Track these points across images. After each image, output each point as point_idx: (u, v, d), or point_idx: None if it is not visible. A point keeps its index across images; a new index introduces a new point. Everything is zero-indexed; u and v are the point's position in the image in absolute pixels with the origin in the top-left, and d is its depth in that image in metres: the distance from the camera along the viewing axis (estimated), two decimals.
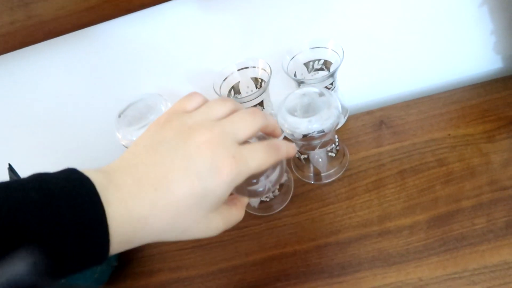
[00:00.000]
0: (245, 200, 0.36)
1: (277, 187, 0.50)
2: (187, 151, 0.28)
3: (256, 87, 0.54)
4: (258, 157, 0.30)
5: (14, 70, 0.52)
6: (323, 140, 0.47)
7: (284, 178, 0.52)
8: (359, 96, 0.61)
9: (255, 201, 0.51)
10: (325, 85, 0.51)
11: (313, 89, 0.47)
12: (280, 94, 0.56)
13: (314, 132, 0.44)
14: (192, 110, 0.32)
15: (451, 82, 0.59)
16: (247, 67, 0.53)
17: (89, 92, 0.56)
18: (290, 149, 0.35)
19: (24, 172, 0.44)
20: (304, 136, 0.45)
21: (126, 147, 0.48)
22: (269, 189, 0.36)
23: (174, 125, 0.30)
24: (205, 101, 0.34)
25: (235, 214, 0.34)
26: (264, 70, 0.52)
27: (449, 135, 0.51)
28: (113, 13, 0.44)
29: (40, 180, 0.25)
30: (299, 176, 0.53)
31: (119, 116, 0.49)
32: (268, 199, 0.51)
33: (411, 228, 0.45)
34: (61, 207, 0.23)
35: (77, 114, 0.59)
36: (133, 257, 0.53)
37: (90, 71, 0.54)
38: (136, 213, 0.26)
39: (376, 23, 0.53)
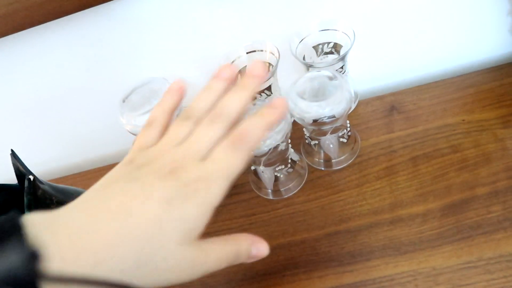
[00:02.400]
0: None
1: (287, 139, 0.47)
2: (148, 181, 0.26)
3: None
4: (226, 166, 0.27)
5: (13, 53, 0.51)
6: (335, 125, 0.46)
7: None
8: (370, 80, 0.59)
9: (269, 183, 0.50)
10: (335, 69, 0.49)
11: (324, 73, 0.45)
12: (288, 78, 0.54)
13: (325, 117, 0.43)
14: (154, 141, 0.30)
15: (466, 66, 0.57)
16: (255, 51, 0.51)
17: (92, 76, 0.55)
18: (268, 119, 0.29)
19: (27, 158, 0.43)
20: (315, 121, 0.44)
21: (132, 133, 0.47)
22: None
23: (136, 161, 0.28)
24: (165, 124, 0.32)
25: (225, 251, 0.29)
26: (272, 53, 0.50)
27: (463, 120, 0.50)
28: None
29: None
30: (309, 163, 0.52)
31: (123, 101, 0.48)
32: (282, 175, 0.49)
33: (424, 216, 0.43)
34: None
35: (80, 98, 0.58)
36: None
37: (93, 54, 0.53)
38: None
39: (388, 4, 0.51)
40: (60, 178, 0.64)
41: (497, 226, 0.40)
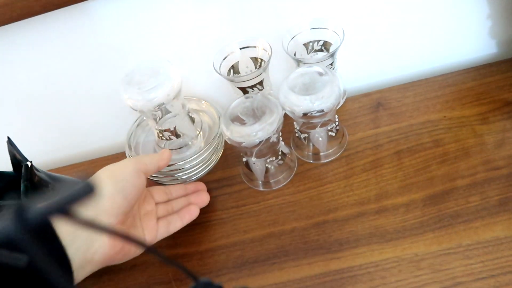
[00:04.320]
0: None
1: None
2: None
3: (256, 67, 0.54)
4: None
5: (13, 43, 0.51)
6: (324, 119, 0.48)
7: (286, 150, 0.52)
8: (357, 78, 0.61)
9: (260, 174, 0.51)
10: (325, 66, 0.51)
11: (315, 68, 0.47)
12: (278, 74, 0.56)
13: (314, 110, 0.45)
14: None
15: (447, 66, 0.60)
16: (248, 47, 0.53)
17: (91, 65, 0.56)
18: None
19: (24, 146, 0.43)
20: (305, 114, 0.46)
21: (133, 108, 0.48)
22: None
23: None
24: None
25: None
26: (265, 50, 0.52)
27: (444, 117, 0.52)
28: None
29: None
30: (298, 155, 0.54)
31: (125, 77, 0.48)
32: (272, 167, 0.51)
33: (407, 206, 0.46)
34: None
35: (81, 87, 0.58)
36: None
37: (92, 44, 0.53)
38: None
39: (375, 5, 0.54)
40: (53, 169, 0.65)
41: (475, 215, 0.43)
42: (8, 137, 0.42)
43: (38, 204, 0.10)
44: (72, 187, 0.10)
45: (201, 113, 0.57)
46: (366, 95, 0.58)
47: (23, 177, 0.39)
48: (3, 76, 0.55)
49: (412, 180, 0.48)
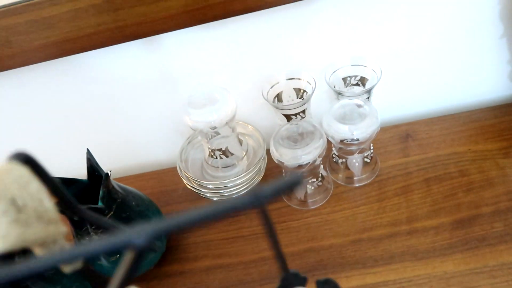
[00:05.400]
0: None
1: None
2: None
3: (297, 97, 0.60)
4: None
5: (88, 67, 0.58)
6: (361, 147, 0.53)
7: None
8: (388, 110, 0.67)
9: (301, 193, 0.56)
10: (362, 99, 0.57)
11: (355, 101, 0.53)
12: (316, 104, 0.62)
13: (352, 139, 0.50)
14: None
15: (471, 103, 0.65)
16: (293, 78, 0.59)
17: (155, 90, 0.62)
18: None
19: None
20: (342, 141, 0.51)
21: (192, 128, 0.54)
22: None
23: None
24: None
25: None
26: (309, 82, 0.58)
27: (469, 149, 0.58)
28: (187, 23, 0.50)
29: None
30: (333, 179, 0.59)
31: (187, 101, 0.54)
32: (312, 188, 0.56)
33: (436, 228, 0.50)
34: None
35: (143, 108, 0.65)
36: (179, 243, 0.58)
37: (157, 72, 0.60)
38: None
39: (406, 47, 0.60)
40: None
41: (499, 240, 0.48)
42: (87, 149, 0.48)
43: (267, 188, 0.16)
44: (283, 179, 0.16)
45: (246, 136, 0.63)
46: (396, 126, 0.64)
47: (103, 184, 0.44)
48: (82, 97, 0.62)
49: (440, 205, 0.53)
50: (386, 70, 0.58)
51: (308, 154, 0.50)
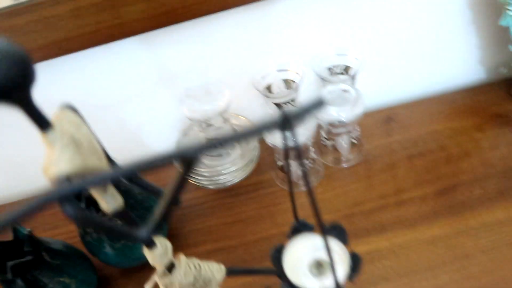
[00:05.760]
0: None
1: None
2: None
3: (286, 87, 0.64)
4: None
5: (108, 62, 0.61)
6: (348, 128, 0.58)
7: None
8: (371, 97, 0.71)
9: (294, 175, 0.60)
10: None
11: (341, 86, 0.57)
12: (305, 93, 0.66)
13: (341, 120, 0.55)
14: None
15: (446, 87, 0.71)
16: (283, 70, 0.63)
17: (154, 86, 0.65)
18: None
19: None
20: (330, 124, 0.55)
21: (189, 118, 0.58)
22: None
23: None
24: None
25: None
26: (297, 73, 0.62)
27: (446, 127, 0.63)
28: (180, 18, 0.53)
29: None
30: (323, 161, 0.63)
31: (185, 92, 0.58)
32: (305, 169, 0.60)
33: (422, 198, 0.55)
34: None
35: (144, 102, 0.68)
36: (179, 232, 0.61)
37: (156, 69, 0.63)
38: None
39: (385, 37, 0.65)
40: None
41: (479, 203, 0.52)
42: None
43: (295, 109, 0.19)
44: (307, 102, 0.19)
45: (239, 127, 0.67)
46: (379, 111, 0.68)
47: None
48: (82, 94, 0.64)
49: (424, 177, 0.57)
50: (367, 60, 0.62)
51: (300, 135, 0.53)
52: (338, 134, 0.59)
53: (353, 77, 0.60)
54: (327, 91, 0.57)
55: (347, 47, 0.61)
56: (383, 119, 0.67)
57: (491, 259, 0.47)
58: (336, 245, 0.35)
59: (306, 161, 0.59)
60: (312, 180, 0.61)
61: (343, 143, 0.60)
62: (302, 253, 0.35)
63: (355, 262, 0.33)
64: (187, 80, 0.64)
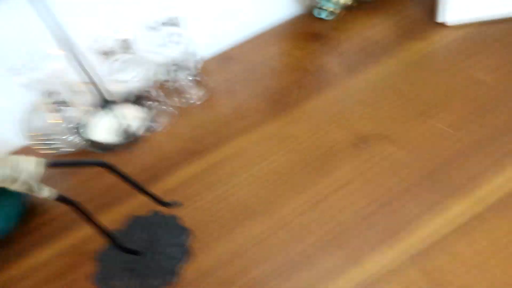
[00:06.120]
0: None
1: None
2: None
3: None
4: None
5: None
6: (189, 65, 0.64)
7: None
8: (210, 45, 0.78)
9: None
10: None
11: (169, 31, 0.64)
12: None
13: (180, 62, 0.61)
14: None
15: (272, 24, 0.81)
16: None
17: None
18: None
19: None
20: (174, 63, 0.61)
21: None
22: None
23: None
24: None
25: None
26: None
27: (275, 53, 0.72)
28: None
29: None
30: (172, 103, 0.69)
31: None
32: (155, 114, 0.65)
33: (257, 109, 0.63)
34: None
35: None
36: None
37: None
38: None
39: None
40: None
41: (299, 100, 0.61)
42: None
43: None
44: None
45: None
46: (220, 55, 0.76)
47: None
48: None
49: (273, 98, 0.65)
50: (201, 13, 0.70)
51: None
52: (180, 75, 0.65)
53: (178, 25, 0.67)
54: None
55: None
56: (224, 59, 0.75)
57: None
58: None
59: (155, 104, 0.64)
60: (164, 121, 0.66)
61: (188, 83, 0.66)
62: None
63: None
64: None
